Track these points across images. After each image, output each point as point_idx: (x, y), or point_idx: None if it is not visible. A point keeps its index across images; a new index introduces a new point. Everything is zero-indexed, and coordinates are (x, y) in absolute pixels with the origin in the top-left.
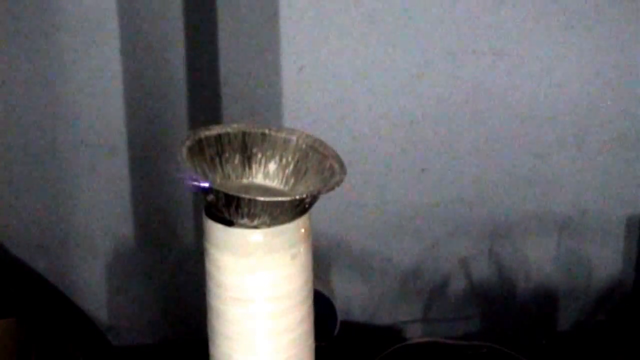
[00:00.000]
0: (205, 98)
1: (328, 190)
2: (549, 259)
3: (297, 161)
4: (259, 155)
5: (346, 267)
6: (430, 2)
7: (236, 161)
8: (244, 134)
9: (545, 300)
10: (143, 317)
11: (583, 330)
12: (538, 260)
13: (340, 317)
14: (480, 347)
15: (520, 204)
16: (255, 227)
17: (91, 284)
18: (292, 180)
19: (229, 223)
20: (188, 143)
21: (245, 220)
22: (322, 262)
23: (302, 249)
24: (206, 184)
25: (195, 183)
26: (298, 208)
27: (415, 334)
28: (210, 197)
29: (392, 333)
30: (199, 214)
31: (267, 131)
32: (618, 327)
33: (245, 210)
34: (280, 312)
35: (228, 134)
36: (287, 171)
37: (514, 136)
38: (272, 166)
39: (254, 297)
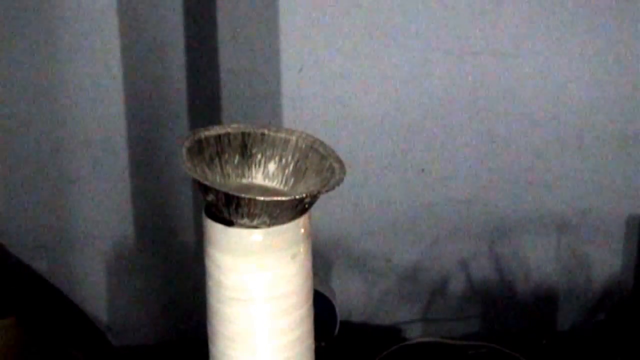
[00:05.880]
0: (205, 98)
1: (328, 190)
2: (549, 259)
3: (297, 161)
4: (259, 156)
5: (346, 267)
6: (430, 2)
7: (236, 161)
8: (243, 134)
9: (545, 300)
10: (143, 317)
11: (583, 330)
12: (538, 260)
13: (340, 317)
14: (480, 347)
15: (520, 204)
16: (255, 227)
17: (91, 284)
18: (291, 180)
19: (229, 223)
20: (188, 143)
21: (245, 220)
22: (322, 262)
23: (302, 249)
24: None
25: None
26: (298, 208)
27: (415, 334)
28: (210, 197)
29: (392, 333)
30: (199, 214)
31: (266, 131)
32: (618, 327)
33: (245, 210)
34: (280, 312)
35: (228, 134)
36: (286, 171)
37: (514, 136)
38: (271, 166)
39: (254, 297)
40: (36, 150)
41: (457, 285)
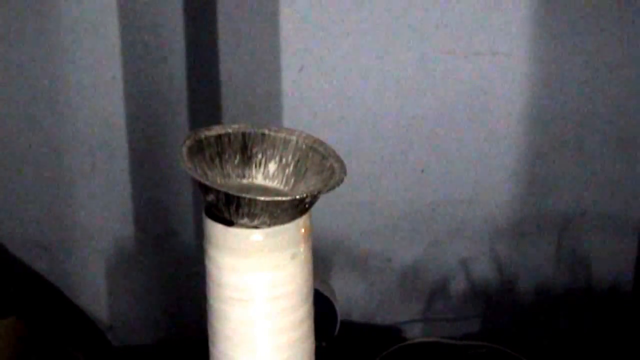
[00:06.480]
0: (205, 98)
1: (328, 190)
2: (549, 259)
3: (297, 161)
4: (259, 156)
5: (346, 267)
6: (430, 2)
7: (236, 161)
8: (244, 134)
9: (545, 300)
10: (143, 317)
11: (583, 330)
12: (538, 260)
13: (340, 317)
14: (480, 347)
15: (520, 204)
16: (256, 227)
17: (91, 284)
18: (292, 180)
19: (229, 223)
20: (188, 143)
21: (246, 220)
22: (322, 262)
23: (302, 249)
24: None
25: None
26: (298, 208)
27: (415, 334)
28: (211, 197)
29: (392, 333)
30: (199, 214)
31: (267, 131)
32: (618, 327)
33: (246, 210)
34: (280, 312)
35: (228, 134)
36: (287, 171)
37: (514, 136)
38: (272, 166)
39: (254, 297)
40: (36, 150)
41: (457, 285)
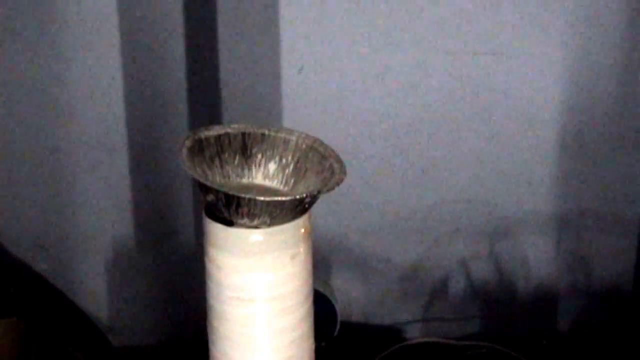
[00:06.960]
0: (205, 98)
1: (328, 190)
2: (549, 259)
3: (297, 161)
4: (259, 156)
5: (346, 267)
6: (430, 2)
7: (236, 161)
8: (243, 134)
9: (545, 300)
10: (143, 317)
11: (583, 330)
12: (538, 260)
13: (340, 317)
14: (480, 347)
15: (520, 204)
16: (255, 227)
17: (91, 284)
18: (291, 181)
19: (229, 223)
20: (188, 143)
21: (245, 220)
22: (322, 262)
23: (302, 249)
24: None
25: None
26: (298, 208)
27: (415, 334)
28: (210, 197)
29: (392, 333)
30: (199, 214)
31: (266, 131)
32: (618, 327)
33: (245, 210)
34: (280, 312)
35: (228, 134)
36: (286, 171)
37: (514, 136)
38: (272, 166)
39: (254, 297)
40: (36, 150)
41: (457, 285)
